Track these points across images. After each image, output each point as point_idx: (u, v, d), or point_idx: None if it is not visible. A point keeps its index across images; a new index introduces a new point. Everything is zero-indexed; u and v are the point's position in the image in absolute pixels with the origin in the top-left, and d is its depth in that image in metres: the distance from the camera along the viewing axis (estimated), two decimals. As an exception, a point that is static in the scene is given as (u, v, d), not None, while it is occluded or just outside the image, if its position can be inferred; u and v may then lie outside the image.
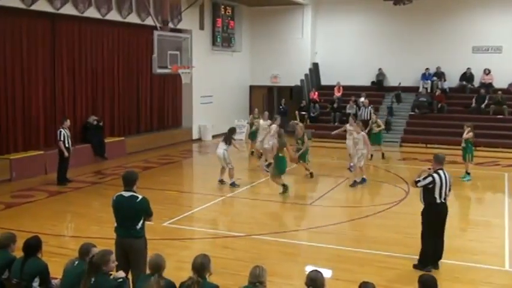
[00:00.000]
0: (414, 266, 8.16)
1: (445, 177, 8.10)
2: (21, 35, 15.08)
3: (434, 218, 8.12)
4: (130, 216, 6.40)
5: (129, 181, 6.53)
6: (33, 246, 5.82)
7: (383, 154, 18.41)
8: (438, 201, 8.05)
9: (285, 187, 13.00)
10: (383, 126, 18.35)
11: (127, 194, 6.44)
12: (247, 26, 25.87)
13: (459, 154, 19.22)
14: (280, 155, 13.03)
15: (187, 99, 22.32)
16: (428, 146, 20.43)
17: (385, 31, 24.78)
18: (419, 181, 8.08)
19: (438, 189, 8.01)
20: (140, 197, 6.45)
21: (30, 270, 5.65)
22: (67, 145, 13.64)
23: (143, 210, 6.47)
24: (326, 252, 9.10)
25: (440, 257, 8.21)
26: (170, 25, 17.52)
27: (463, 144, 15.04)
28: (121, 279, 5.42)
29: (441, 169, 8.18)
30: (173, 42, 15.47)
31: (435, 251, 8.17)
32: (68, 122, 14.06)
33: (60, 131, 13.61)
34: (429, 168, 8.17)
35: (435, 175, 8.06)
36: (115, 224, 6.58)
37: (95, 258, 5.32)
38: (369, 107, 20.71)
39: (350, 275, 7.80)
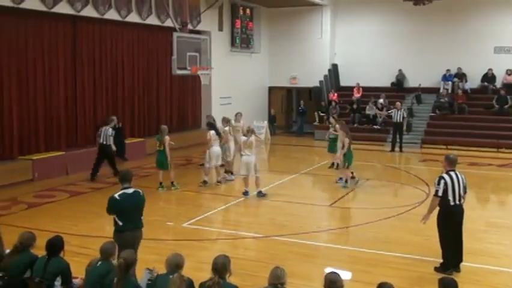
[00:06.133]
0: (436, 269, 8.07)
1: (457, 178, 7.95)
2: (43, 37, 15.28)
3: (449, 221, 7.98)
4: (138, 210, 7.00)
5: (129, 178, 7.03)
6: (56, 245, 5.89)
7: (337, 164, 15.65)
8: (452, 203, 7.89)
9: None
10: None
11: (129, 190, 6.94)
12: (266, 27, 25.88)
13: (479, 156, 19.07)
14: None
15: (206, 101, 22.39)
16: (449, 147, 20.22)
17: (405, 31, 24.60)
18: (437, 190, 7.93)
19: (451, 190, 7.86)
20: (140, 191, 7.09)
21: (53, 269, 5.72)
22: (109, 142, 14.44)
23: (144, 202, 7.10)
24: (345, 253, 9.06)
25: (461, 260, 8.11)
26: (190, 27, 17.62)
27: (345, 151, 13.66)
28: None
29: (453, 170, 8.05)
30: (193, 44, 15.55)
31: (455, 254, 8.07)
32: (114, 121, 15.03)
33: (108, 129, 14.44)
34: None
35: (445, 176, 7.93)
36: (120, 223, 6.88)
37: (128, 259, 5.39)
38: (402, 110, 20.50)
39: (369, 277, 7.75)
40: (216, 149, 13.99)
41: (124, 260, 5.35)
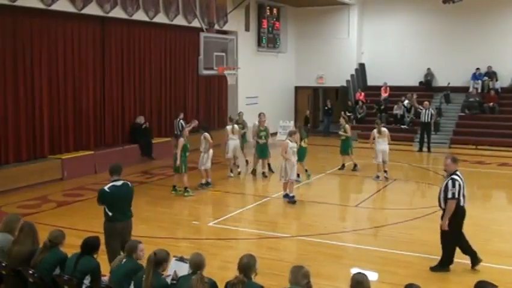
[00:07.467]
0: (432, 268, 8.04)
1: (462, 178, 7.87)
2: (73, 38, 15.51)
3: (460, 222, 7.91)
4: (128, 201, 7.28)
5: (119, 170, 7.24)
6: (90, 246, 5.95)
7: (355, 165, 16.00)
8: (462, 203, 7.83)
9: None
10: (349, 133, 15.79)
11: (118, 183, 7.14)
12: (292, 27, 25.83)
13: (510, 156, 18.74)
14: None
15: (232, 100, 22.46)
16: (478, 147, 19.90)
17: (434, 30, 24.26)
18: (453, 193, 7.73)
19: (462, 191, 7.79)
20: (129, 183, 7.34)
21: (83, 268, 5.78)
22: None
23: (133, 194, 7.37)
24: (371, 254, 8.99)
25: (479, 260, 8.00)
26: (216, 27, 17.70)
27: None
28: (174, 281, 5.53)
29: (457, 170, 7.94)
30: (219, 44, 15.62)
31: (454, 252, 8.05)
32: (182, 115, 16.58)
33: (179, 121, 16.09)
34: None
35: (456, 177, 7.80)
36: (110, 214, 7.09)
37: (159, 255, 5.43)
38: (430, 109, 20.26)
39: (396, 278, 7.68)
40: (211, 151, 13.65)
41: (154, 256, 5.39)
